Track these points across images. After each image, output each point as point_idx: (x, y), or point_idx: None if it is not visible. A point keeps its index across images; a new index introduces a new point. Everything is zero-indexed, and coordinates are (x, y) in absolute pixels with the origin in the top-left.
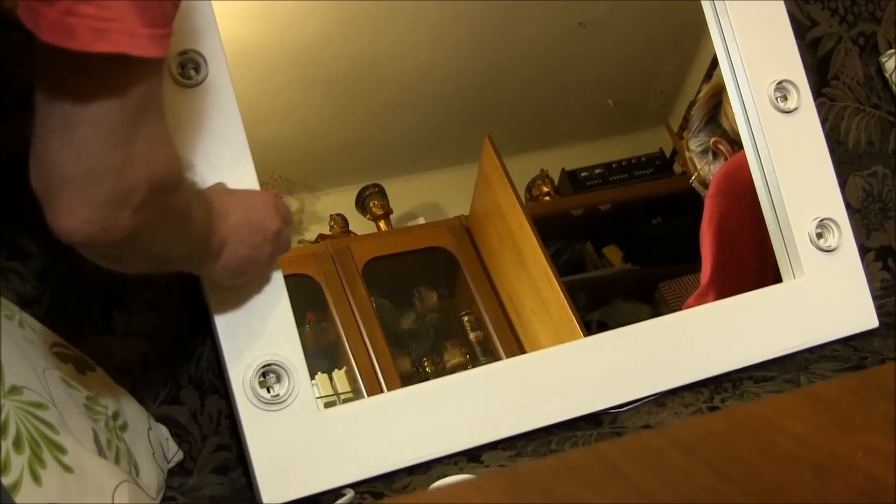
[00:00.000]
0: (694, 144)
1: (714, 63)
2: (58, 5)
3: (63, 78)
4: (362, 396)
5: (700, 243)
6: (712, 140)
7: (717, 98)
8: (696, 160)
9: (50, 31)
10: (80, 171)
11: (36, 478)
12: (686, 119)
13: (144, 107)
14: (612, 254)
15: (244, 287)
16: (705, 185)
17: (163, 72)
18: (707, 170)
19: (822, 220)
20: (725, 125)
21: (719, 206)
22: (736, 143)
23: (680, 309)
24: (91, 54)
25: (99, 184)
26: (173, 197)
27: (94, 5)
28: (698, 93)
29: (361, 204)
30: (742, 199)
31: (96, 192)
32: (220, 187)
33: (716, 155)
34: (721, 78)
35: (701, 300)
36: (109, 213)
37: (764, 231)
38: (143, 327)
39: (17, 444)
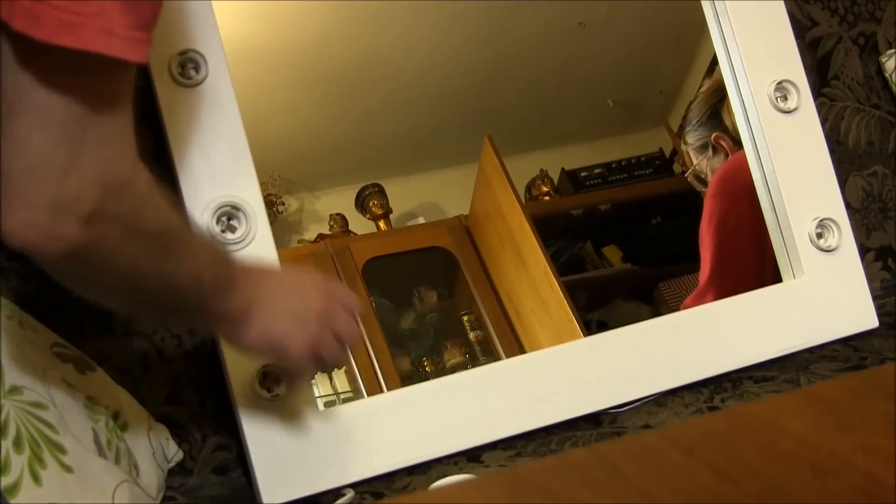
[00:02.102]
0: (692, 138)
1: (714, 63)
2: None
3: (15, 61)
4: (362, 396)
5: (699, 243)
6: (714, 135)
7: (721, 93)
8: (692, 154)
9: (20, 18)
10: (19, 165)
11: (36, 478)
12: (686, 114)
13: (102, 108)
14: (612, 254)
15: None
16: (700, 179)
17: (133, 78)
18: (705, 164)
19: (822, 220)
20: (727, 121)
21: (718, 207)
22: (738, 140)
23: (679, 309)
24: (52, 46)
25: (38, 183)
26: (142, 218)
27: None
28: (700, 87)
29: (361, 204)
30: (741, 200)
31: (36, 192)
32: (259, 261)
33: (716, 150)
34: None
35: (699, 300)
36: (52, 218)
37: (763, 231)
38: (143, 327)
39: (17, 444)
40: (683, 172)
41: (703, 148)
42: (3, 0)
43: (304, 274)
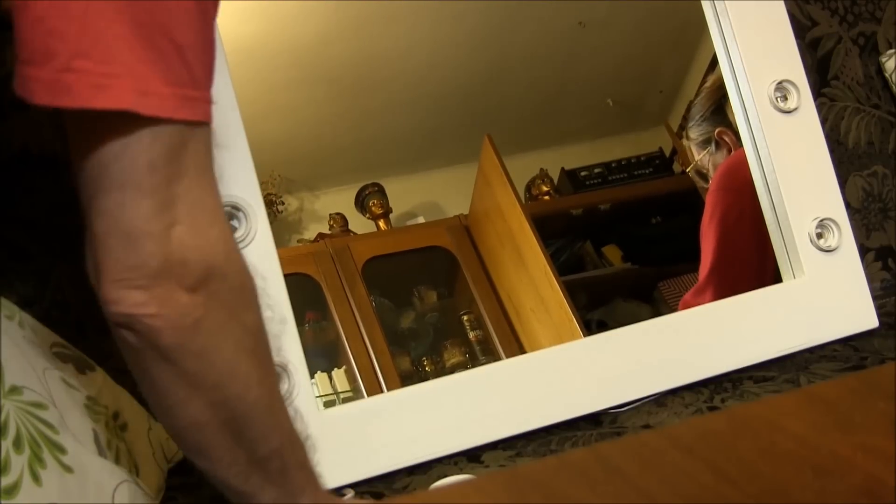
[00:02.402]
0: (695, 133)
1: (714, 63)
2: (53, 64)
3: (87, 142)
4: (362, 396)
5: (701, 238)
6: (717, 130)
7: (724, 89)
8: (694, 150)
9: (45, 93)
10: (116, 232)
11: (36, 478)
12: (688, 109)
13: (181, 172)
14: (612, 253)
15: None
16: (702, 175)
17: (207, 144)
18: (707, 160)
19: (822, 220)
20: (731, 117)
21: (720, 202)
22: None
23: (679, 307)
24: (106, 112)
25: (139, 246)
26: (244, 307)
27: (92, 60)
28: (703, 83)
29: (361, 203)
30: (743, 195)
31: (141, 257)
32: None
33: (718, 145)
34: None
35: (699, 295)
36: (162, 283)
37: (764, 227)
38: None
39: (17, 444)
40: (684, 172)
41: (705, 143)
42: (20, 81)
43: None
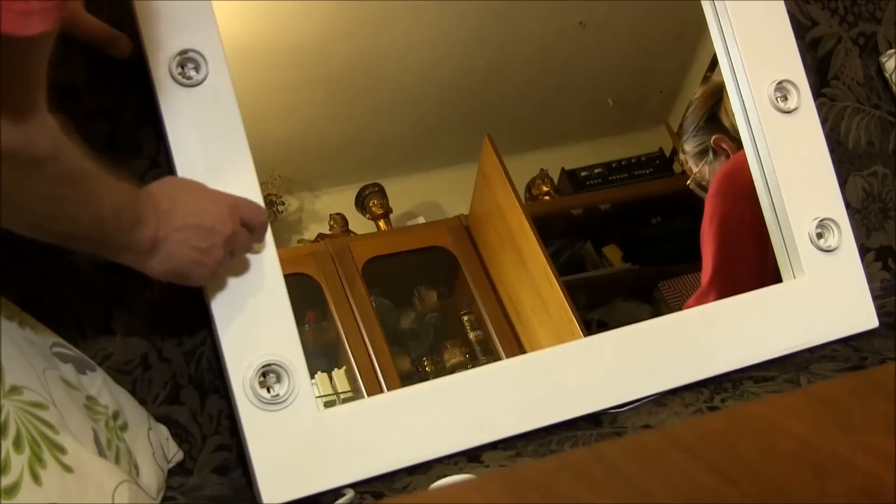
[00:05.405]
0: (690, 146)
1: (714, 63)
2: None
3: None
4: (362, 396)
5: (701, 243)
6: (713, 138)
7: (716, 97)
8: (691, 162)
9: None
10: None
11: (36, 478)
12: (680, 126)
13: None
14: (612, 253)
15: (244, 287)
16: (702, 187)
17: (46, 45)
18: (706, 170)
19: (822, 220)
20: (726, 122)
21: (720, 206)
22: (738, 140)
23: (680, 309)
24: None
25: None
26: (40, 172)
27: None
28: (694, 95)
29: (361, 203)
30: (742, 199)
31: None
32: (174, 185)
33: (716, 153)
34: (718, 77)
35: (702, 300)
36: None
37: (764, 231)
38: (143, 327)
39: (17, 444)
40: (684, 172)
41: (702, 153)
42: None
43: (213, 201)
